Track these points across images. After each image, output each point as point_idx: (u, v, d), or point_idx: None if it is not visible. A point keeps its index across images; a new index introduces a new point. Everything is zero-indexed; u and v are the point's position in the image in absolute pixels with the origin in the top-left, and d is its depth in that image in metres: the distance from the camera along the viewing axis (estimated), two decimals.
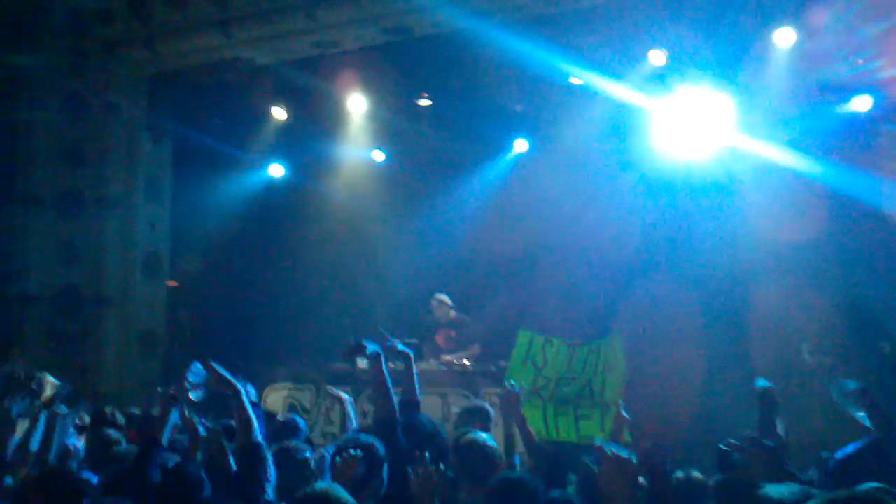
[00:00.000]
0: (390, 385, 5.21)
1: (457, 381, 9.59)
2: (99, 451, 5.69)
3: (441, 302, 10.37)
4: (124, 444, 5.77)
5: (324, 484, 3.63)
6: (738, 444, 4.58)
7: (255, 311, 12.15)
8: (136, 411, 7.03)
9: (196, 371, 4.97)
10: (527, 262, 11.43)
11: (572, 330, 8.33)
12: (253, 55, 10.48)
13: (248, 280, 12.47)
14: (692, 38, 9.35)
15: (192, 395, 5.04)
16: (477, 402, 7.69)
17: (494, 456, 4.86)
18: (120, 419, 6.53)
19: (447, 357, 10.00)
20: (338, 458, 4.30)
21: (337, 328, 11.33)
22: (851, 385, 5.10)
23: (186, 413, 4.94)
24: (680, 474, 4.67)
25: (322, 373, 9.95)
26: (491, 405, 7.12)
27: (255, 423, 4.49)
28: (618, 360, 7.18)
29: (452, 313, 10.42)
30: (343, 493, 3.43)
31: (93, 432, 6.10)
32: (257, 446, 4.41)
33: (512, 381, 6.05)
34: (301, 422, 6.55)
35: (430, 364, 9.88)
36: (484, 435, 4.98)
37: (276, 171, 12.77)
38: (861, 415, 5.01)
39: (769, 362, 8.79)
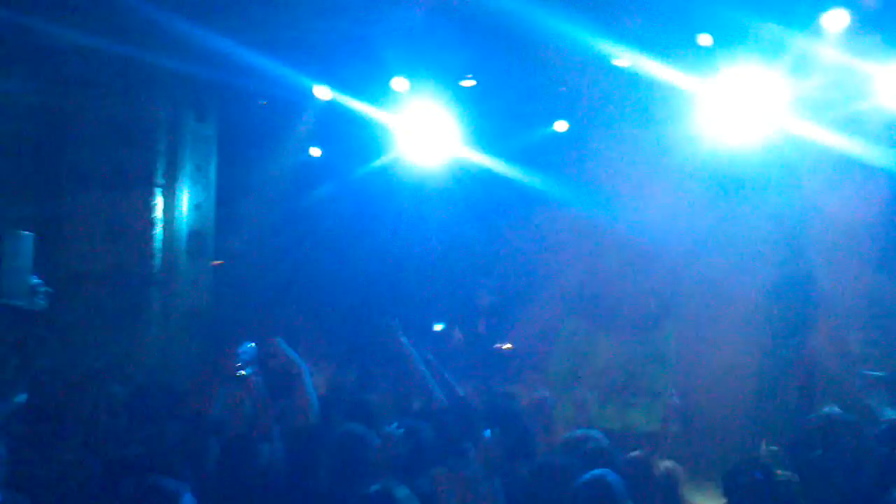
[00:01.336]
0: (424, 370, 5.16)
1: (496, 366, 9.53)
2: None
3: (482, 286, 10.28)
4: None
5: (383, 483, 3.57)
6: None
7: (298, 292, 12.18)
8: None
9: (246, 349, 4.98)
10: (571, 247, 11.33)
11: (623, 314, 8.28)
12: (296, 33, 10.43)
13: (291, 261, 12.50)
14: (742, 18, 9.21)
15: (242, 372, 5.05)
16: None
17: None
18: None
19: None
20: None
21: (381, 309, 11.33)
22: (875, 374, 5.02)
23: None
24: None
25: (367, 354, 9.95)
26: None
27: (316, 405, 4.49)
28: (667, 349, 7.10)
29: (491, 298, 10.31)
30: (403, 492, 3.36)
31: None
32: (316, 428, 4.39)
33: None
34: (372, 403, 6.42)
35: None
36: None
37: (316, 151, 12.78)
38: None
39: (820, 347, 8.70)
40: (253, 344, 4.90)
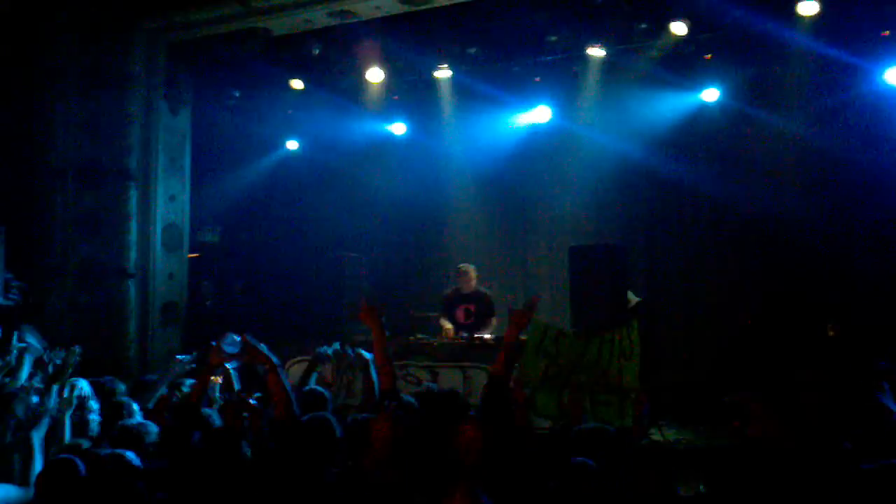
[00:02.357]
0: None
1: (477, 355, 9.54)
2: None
3: (466, 271, 10.27)
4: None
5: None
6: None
7: (275, 284, 12.18)
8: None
9: (231, 341, 4.95)
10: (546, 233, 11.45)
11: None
12: (270, 25, 10.44)
13: (268, 252, 12.49)
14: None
15: (227, 365, 5.05)
16: None
17: None
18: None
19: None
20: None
21: (358, 300, 11.34)
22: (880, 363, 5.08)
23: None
24: None
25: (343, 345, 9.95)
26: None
27: (293, 398, 4.50)
28: (633, 347, 7.09)
29: (475, 284, 10.30)
30: None
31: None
32: (296, 421, 4.41)
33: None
34: (326, 393, 6.52)
35: (449, 337, 9.87)
36: None
37: (293, 142, 12.76)
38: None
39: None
40: (238, 336, 4.89)
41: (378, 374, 5.22)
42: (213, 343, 4.88)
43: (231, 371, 5.63)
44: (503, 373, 4.89)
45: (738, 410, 4.68)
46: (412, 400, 5.36)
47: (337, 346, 6.70)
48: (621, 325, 7.30)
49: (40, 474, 4.23)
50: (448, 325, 10.04)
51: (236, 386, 5.78)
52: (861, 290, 9.58)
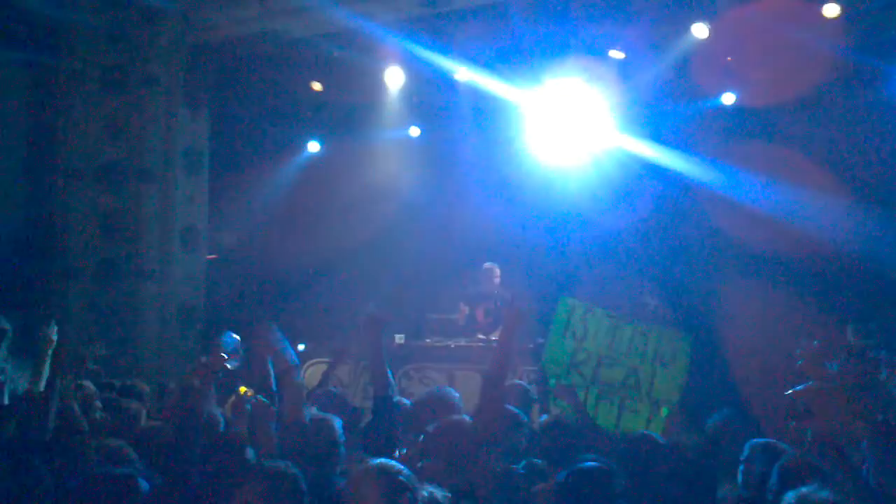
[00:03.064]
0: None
1: None
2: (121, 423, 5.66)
3: (489, 270, 10.20)
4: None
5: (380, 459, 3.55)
6: None
7: (292, 286, 12.17)
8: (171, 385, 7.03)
9: (227, 341, 4.93)
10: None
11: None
12: (289, 27, 10.45)
13: (286, 255, 12.49)
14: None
15: (228, 365, 5.02)
16: (514, 381, 7.57)
17: None
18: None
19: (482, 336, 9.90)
20: None
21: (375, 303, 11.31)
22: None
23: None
24: None
25: (361, 348, 9.93)
26: (530, 383, 7.05)
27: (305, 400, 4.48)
28: (678, 357, 6.63)
29: (497, 283, 10.22)
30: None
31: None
32: (304, 424, 4.39)
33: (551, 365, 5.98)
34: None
35: (468, 340, 9.83)
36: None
37: (313, 145, 12.77)
38: None
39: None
40: (235, 335, 4.86)
41: (373, 380, 5.17)
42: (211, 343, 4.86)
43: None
44: (496, 373, 4.85)
45: (795, 409, 4.48)
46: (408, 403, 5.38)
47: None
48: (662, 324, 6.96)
49: None
50: (465, 309, 9.98)
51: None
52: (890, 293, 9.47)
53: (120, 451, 4.56)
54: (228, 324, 5.28)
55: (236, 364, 4.93)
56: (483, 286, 10.14)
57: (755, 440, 4.69)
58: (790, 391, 4.51)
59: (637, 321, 6.76)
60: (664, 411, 6.11)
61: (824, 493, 3.30)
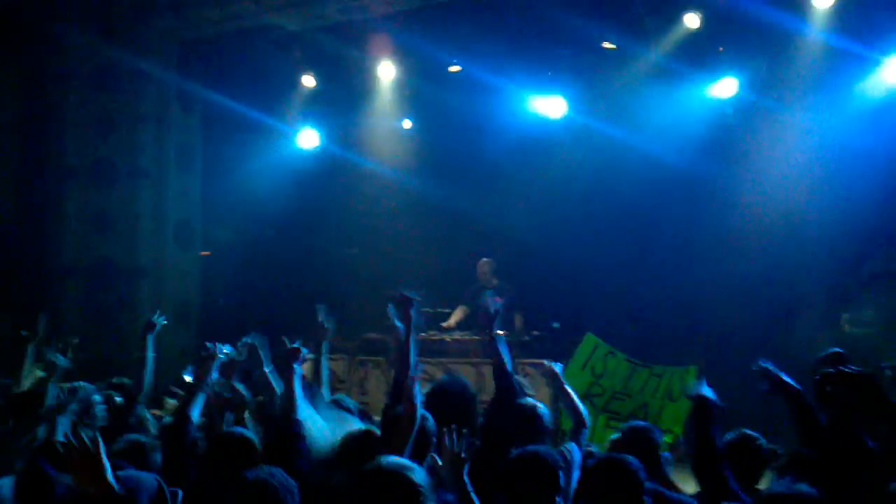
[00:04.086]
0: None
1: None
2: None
3: (485, 265, 10.17)
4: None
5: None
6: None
7: (287, 281, 12.14)
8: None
9: (216, 350, 4.93)
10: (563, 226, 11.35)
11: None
12: (282, 21, 10.42)
13: (280, 249, 12.46)
14: None
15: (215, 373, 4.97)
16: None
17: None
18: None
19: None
20: None
21: (371, 298, 11.29)
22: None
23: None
24: None
25: (356, 343, 9.95)
26: (525, 376, 7.05)
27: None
28: (686, 391, 6.74)
29: (494, 280, 10.18)
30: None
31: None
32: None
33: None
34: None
35: (463, 334, 9.81)
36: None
37: (306, 139, 12.72)
38: None
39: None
40: (227, 347, 4.87)
41: (400, 365, 5.15)
42: (203, 354, 4.87)
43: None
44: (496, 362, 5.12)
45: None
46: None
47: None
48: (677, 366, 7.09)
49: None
50: (452, 321, 9.98)
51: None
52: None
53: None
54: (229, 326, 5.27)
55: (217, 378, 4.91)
56: (481, 281, 10.12)
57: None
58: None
59: (654, 366, 6.96)
60: (667, 438, 6.19)
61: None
